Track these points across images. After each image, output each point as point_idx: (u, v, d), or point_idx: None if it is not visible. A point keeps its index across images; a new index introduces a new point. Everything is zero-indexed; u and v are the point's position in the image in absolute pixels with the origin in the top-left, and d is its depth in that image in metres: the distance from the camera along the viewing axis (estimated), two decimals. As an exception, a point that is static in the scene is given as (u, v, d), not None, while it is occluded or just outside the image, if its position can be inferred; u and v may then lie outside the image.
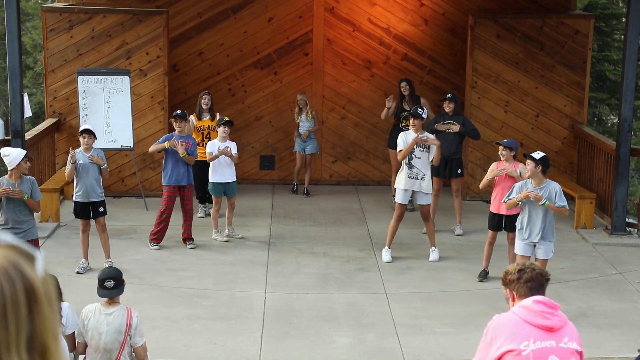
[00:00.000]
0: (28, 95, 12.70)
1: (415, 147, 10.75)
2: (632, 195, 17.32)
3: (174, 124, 11.39)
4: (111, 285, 6.59)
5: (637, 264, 11.12)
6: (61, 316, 5.50)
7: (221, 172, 11.78)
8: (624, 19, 19.58)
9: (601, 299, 9.95)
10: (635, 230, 12.39)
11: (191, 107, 14.89)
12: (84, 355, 6.58)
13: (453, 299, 9.85)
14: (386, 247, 11.15)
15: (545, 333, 4.59)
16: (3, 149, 9.52)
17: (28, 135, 12.42)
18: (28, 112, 12.03)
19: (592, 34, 14.25)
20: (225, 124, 11.77)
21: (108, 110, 13.19)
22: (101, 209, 10.42)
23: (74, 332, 6.57)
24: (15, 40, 11.55)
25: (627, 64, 11.80)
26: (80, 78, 13.15)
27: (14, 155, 9.11)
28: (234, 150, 11.81)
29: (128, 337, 6.47)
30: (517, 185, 9.29)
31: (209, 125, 12.56)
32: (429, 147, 10.81)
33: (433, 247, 11.16)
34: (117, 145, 13.29)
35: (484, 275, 10.45)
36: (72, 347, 6.62)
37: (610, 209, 12.33)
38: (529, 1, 14.59)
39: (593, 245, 11.86)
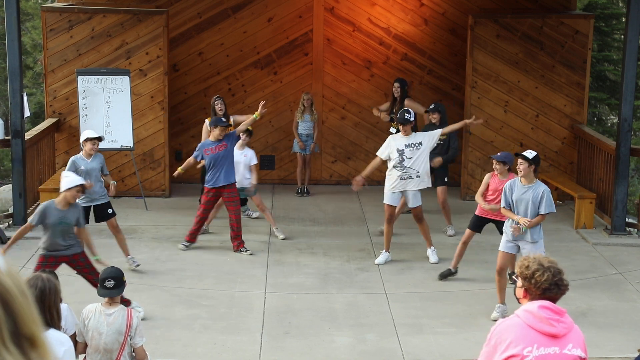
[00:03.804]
0: (28, 95, 12.70)
1: (404, 147, 10.76)
2: (632, 195, 17.31)
3: (212, 129, 11.26)
4: (111, 285, 6.59)
5: (637, 264, 11.12)
6: (60, 317, 5.49)
7: (241, 177, 11.82)
8: (624, 19, 19.58)
9: (601, 298, 9.95)
10: (635, 230, 12.39)
11: (191, 108, 14.93)
12: (84, 355, 6.58)
13: (453, 299, 9.84)
14: (383, 251, 11.13)
15: (550, 339, 4.53)
16: (65, 171, 9.35)
17: (28, 135, 12.42)
18: (27, 112, 12.04)
19: (592, 33, 14.25)
20: (244, 131, 11.84)
21: (108, 110, 13.19)
22: (110, 211, 10.37)
23: (74, 333, 6.56)
24: (15, 40, 11.55)
25: (627, 64, 11.80)
26: (80, 78, 13.14)
27: (68, 180, 8.71)
28: (254, 160, 11.91)
29: (128, 338, 6.47)
30: (507, 185, 9.18)
31: None
32: (419, 146, 10.78)
33: (432, 248, 11.13)
34: (117, 145, 13.29)
35: (446, 275, 10.42)
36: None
37: (610, 209, 12.33)
38: (529, 1, 14.59)
39: (593, 245, 11.86)
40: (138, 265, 10.52)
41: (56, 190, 12.32)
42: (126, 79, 13.22)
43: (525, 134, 14.06)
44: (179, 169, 11.53)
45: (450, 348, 8.54)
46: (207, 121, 12.52)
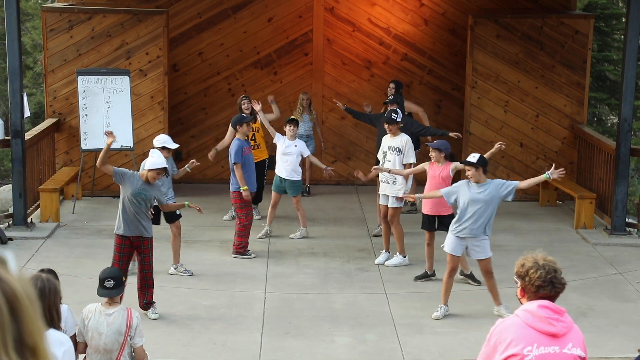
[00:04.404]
0: (28, 95, 12.70)
1: (387, 149, 10.82)
2: (632, 195, 17.32)
3: (239, 128, 11.13)
4: (111, 285, 6.59)
5: (637, 264, 11.12)
6: (60, 318, 5.48)
7: (292, 168, 11.93)
8: (624, 19, 19.58)
9: (601, 299, 9.95)
10: (635, 230, 12.38)
11: (191, 108, 14.93)
12: (84, 355, 6.57)
13: (453, 299, 9.82)
14: (383, 251, 11.17)
15: (549, 339, 4.52)
16: (153, 150, 9.40)
17: (28, 135, 12.41)
18: (27, 112, 12.03)
19: (592, 34, 14.25)
20: (291, 122, 11.95)
21: (108, 110, 13.18)
22: (178, 212, 10.35)
23: (74, 334, 6.56)
24: (15, 40, 11.55)
25: (627, 64, 11.80)
26: (80, 78, 13.14)
27: (153, 160, 8.97)
28: (307, 151, 12.02)
29: (128, 338, 6.47)
30: (463, 182, 9.19)
31: (258, 128, 12.66)
32: (400, 150, 10.79)
33: (397, 254, 11.07)
34: (117, 145, 13.26)
35: (421, 277, 10.44)
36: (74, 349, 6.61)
37: (610, 209, 12.33)
38: (529, 1, 14.59)
39: (593, 245, 11.86)
40: (188, 272, 10.51)
41: (56, 191, 12.38)
42: (126, 79, 13.22)
43: (525, 134, 14.06)
44: (244, 190, 10.98)
45: (450, 348, 8.54)
46: None
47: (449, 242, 9.25)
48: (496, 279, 10.48)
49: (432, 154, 10.13)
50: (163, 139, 10.18)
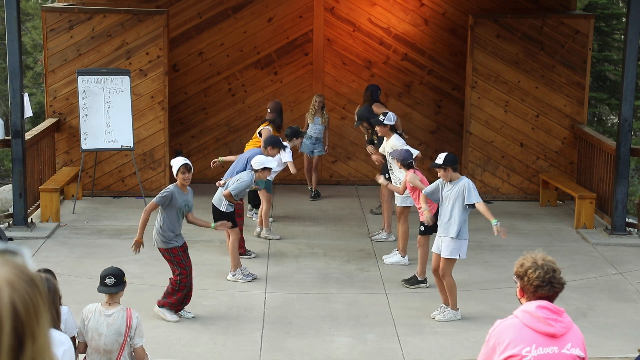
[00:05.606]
0: (28, 95, 12.70)
1: (388, 155, 10.90)
2: (632, 195, 17.32)
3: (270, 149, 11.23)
4: (112, 282, 6.60)
5: (637, 264, 11.12)
6: (60, 317, 5.49)
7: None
8: (624, 19, 19.58)
9: (601, 299, 9.95)
10: (635, 230, 12.38)
11: (191, 108, 14.93)
12: (84, 355, 6.58)
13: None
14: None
15: (548, 339, 4.52)
16: (173, 160, 9.31)
17: (28, 135, 12.42)
18: (29, 112, 12.03)
19: (592, 34, 14.25)
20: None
21: (108, 110, 13.19)
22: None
23: (74, 335, 6.55)
24: (15, 40, 11.55)
25: (627, 64, 11.79)
26: (80, 78, 13.15)
27: (174, 164, 9.02)
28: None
29: (128, 338, 6.47)
30: (440, 180, 9.16)
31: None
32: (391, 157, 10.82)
33: (396, 250, 11.12)
34: (117, 145, 13.29)
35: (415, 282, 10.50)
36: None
37: (610, 209, 12.32)
38: (529, 1, 14.59)
39: (593, 245, 11.86)
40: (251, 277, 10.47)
41: (56, 191, 12.38)
42: (126, 79, 13.22)
43: (525, 134, 14.06)
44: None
45: (450, 348, 8.54)
46: (269, 127, 12.25)
47: (434, 242, 9.31)
48: (495, 278, 10.49)
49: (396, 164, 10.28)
50: (263, 160, 10.38)
